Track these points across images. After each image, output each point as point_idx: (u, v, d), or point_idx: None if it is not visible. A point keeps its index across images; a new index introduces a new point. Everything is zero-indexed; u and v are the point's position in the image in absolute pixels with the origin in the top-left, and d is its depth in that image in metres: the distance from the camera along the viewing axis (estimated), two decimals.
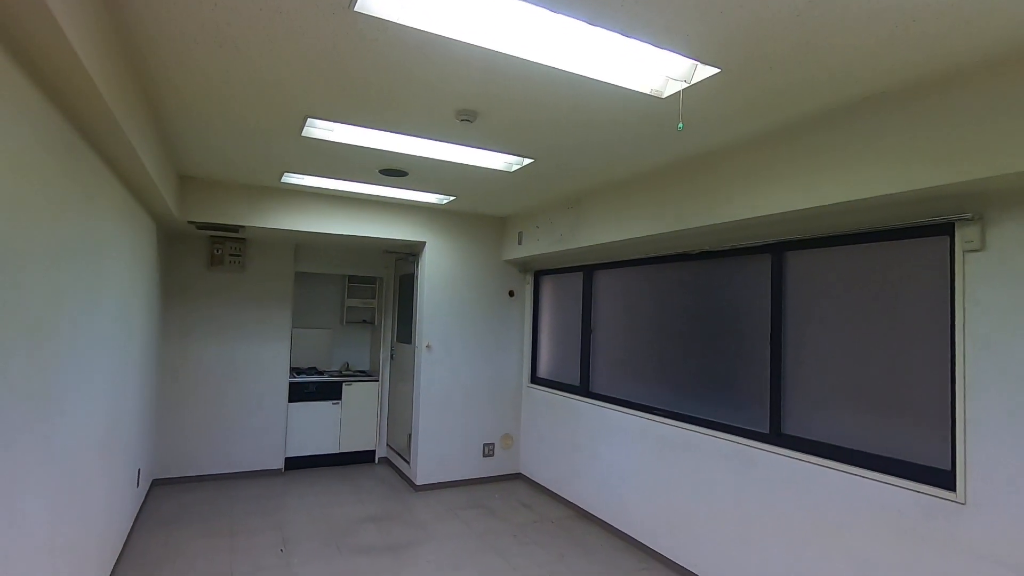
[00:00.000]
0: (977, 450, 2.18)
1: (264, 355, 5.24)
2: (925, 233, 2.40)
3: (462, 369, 5.16)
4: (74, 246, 2.15)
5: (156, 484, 4.81)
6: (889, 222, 2.50)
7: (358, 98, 2.51)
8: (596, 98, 2.41)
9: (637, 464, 3.88)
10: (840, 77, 2.13)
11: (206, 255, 5.08)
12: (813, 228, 2.84)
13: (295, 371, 5.67)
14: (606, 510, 4.16)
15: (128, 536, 3.71)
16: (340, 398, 5.57)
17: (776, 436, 2.99)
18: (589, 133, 2.86)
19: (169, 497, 4.55)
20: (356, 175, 3.89)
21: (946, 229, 2.32)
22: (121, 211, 2.95)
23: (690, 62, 2.10)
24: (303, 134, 3.01)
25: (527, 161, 3.42)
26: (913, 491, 2.36)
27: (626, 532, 3.93)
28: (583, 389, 4.62)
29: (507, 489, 5.06)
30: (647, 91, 2.33)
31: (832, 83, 2.19)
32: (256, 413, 5.20)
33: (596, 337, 4.54)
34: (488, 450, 5.26)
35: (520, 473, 5.39)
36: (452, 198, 4.56)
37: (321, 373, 5.71)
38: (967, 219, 2.21)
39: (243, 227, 4.39)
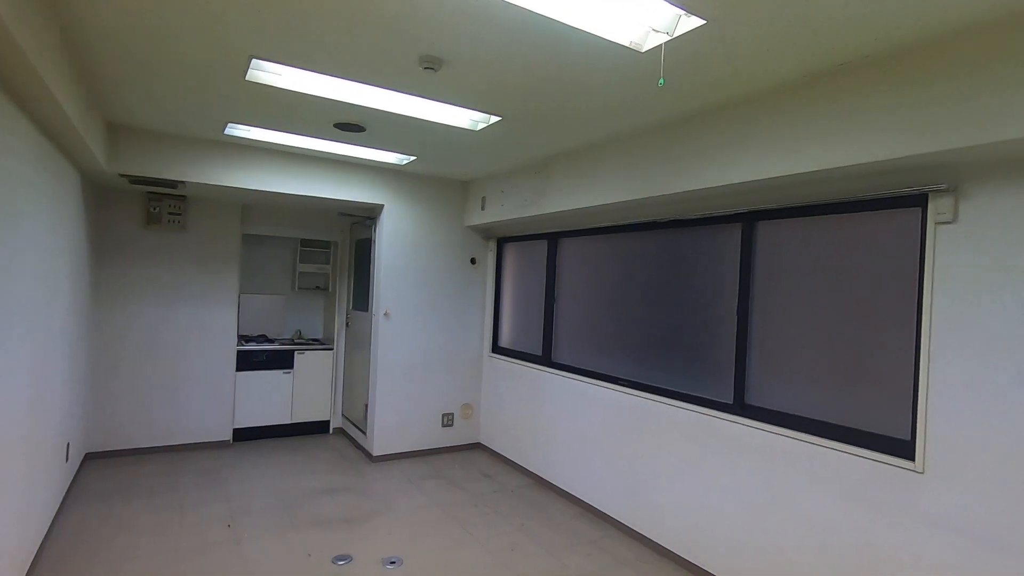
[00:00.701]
0: (937, 420, 2.20)
1: (210, 321, 4.93)
2: (898, 204, 2.38)
3: (421, 338, 5.00)
4: None
5: (90, 458, 4.50)
6: (863, 193, 2.46)
7: (309, 37, 2.26)
8: (572, 49, 2.24)
9: (599, 434, 3.86)
10: (825, 37, 2.04)
11: (142, 213, 4.68)
12: (786, 197, 2.79)
13: (244, 339, 5.37)
14: (567, 479, 4.15)
15: (57, 512, 3.44)
16: (292, 367, 5.34)
17: (739, 407, 2.99)
18: (562, 90, 2.69)
19: (105, 472, 4.26)
20: (309, 129, 3.61)
21: (919, 201, 2.30)
22: (39, 161, 2.60)
23: (675, 11, 1.96)
24: (248, 78, 2.71)
25: (494, 119, 3.22)
26: (873, 460, 2.39)
27: (587, 501, 3.93)
28: (545, 359, 4.55)
29: (467, 459, 5.00)
30: (626, 43, 2.18)
31: (816, 43, 2.09)
32: (201, 382, 4.91)
33: (560, 306, 4.46)
34: (447, 420, 5.16)
35: (480, 443, 5.33)
36: (413, 158, 4.32)
37: (272, 341, 5.44)
38: (941, 191, 2.19)
39: (182, 183, 4.04)
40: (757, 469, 2.84)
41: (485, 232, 5.31)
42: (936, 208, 2.22)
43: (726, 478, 2.98)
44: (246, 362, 5.14)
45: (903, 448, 2.33)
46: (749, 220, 3.00)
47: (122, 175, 3.84)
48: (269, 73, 2.69)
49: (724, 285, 3.14)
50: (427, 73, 2.54)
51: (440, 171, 4.78)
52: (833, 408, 2.60)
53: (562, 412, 4.24)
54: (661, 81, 1.94)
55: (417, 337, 4.98)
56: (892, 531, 2.31)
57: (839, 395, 2.58)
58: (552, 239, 4.55)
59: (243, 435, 5.17)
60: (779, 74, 2.39)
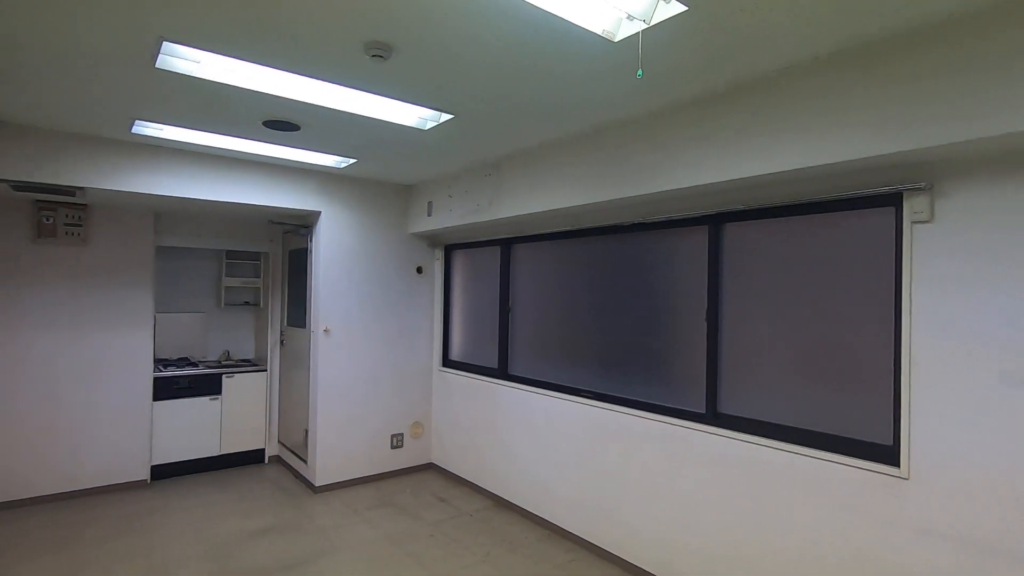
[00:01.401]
0: (920, 424, 2.15)
1: (119, 346, 4.34)
2: (872, 204, 2.32)
3: (365, 354, 4.63)
4: None
5: None
6: (835, 192, 2.40)
7: (232, 16, 1.92)
8: (539, 37, 2.03)
9: (564, 450, 3.66)
10: (805, 28, 1.93)
11: (31, 224, 4.05)
12: (755, 198, 2.70)
13: (162, 364, 4.80)
14: (530, 499, 3.92)
15: None
16: (220, 392, 4.81)
17: (713, 416, 2.88)
18: (525, 83, 2.47)
19: None
20: (233, 127, 3.20)
21: (894, 200, 2.25)
22: None
23: None
24: (158, 65, 2.32)
25: (445, 117, 2.96)
26: (856, 468, 2.31)
27: (553, 522, 3.72)
28: (501, 372, 4.31)
29: (419, 482, 4.67)
30: (598, 31, 1.99)
31: (796, 35, 1.99)
32: (111, 416, 4.31)
33: (515, 316, 4.24)
34: (396, 441, 4.82)
35: (432, 463, 5.01)
36: (353, 161, 3.98)
37: (195, 364, 4.89)
38: (917, 189, 2.14)
39: (81, 189, 3.50)
40: (734, 481, 2.72)
41: (432, 239, 5.01)
42: (912, 207, 2.17)
43: (701, 491, 2.85)
44: (165, 390, 4.57)
45: (887, 454, 2.26)
46: (716, 222, 2.90)
47: (3, 180, 3.27)
48: (184, 60, 2.31)
49: (692, 290, 3.03)
50: (375, 62, 2.25)
51: (383, 175, 4.45)
52: (813, 415, 2.52)
53: (522, 427, 4.02)
54: (639, 73, 1.77)
55: (360, 353, 4.61)
56: (879, 539, 2.24)
57: (819, 401, 2.51)
58: (505, 245, 4.32)
59: (164, 472, 4.59)
60: (754, 67, 2.28)
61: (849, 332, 2.41)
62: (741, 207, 2.74)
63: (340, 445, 4.50)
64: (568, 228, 3.71)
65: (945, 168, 2.10)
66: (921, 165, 2.14)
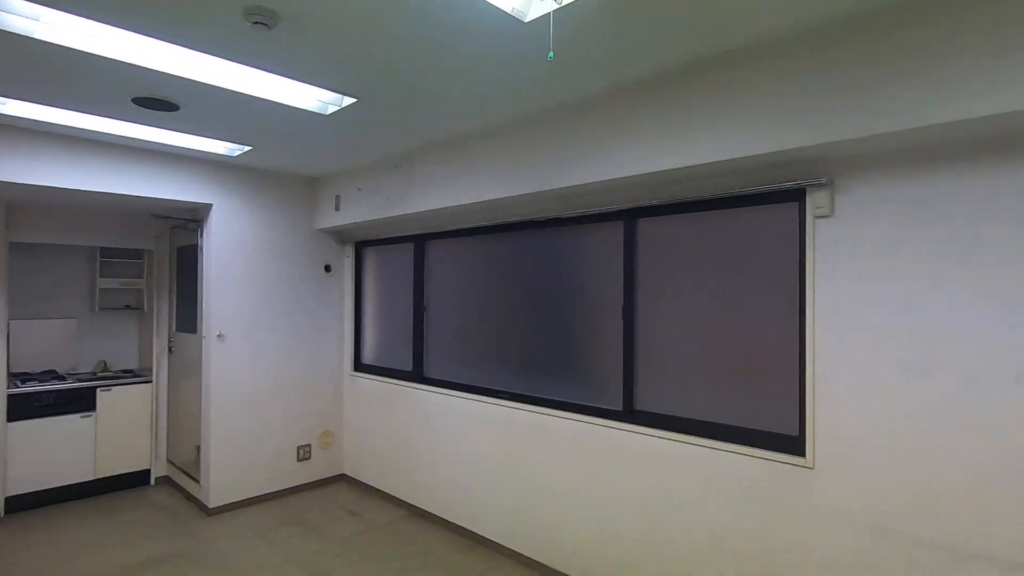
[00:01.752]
0: (824, 415, 2.20)
1: None
2: (778, 199, 2.36)
3: (266, 360, 4.26)
4: None
5: None
6: (745, 187, 2.42)
7: None
8: (444, 14, 1.87)
9: (483, 453, 3.52)
10: (716, 18, 1.91)
11: None
12: (668, 193, 2.69)
13: (21, 378, 4.15)
14: (448, 507, 3.75)
15: None
16: (94, 408, 4.24)
17: (629, 413, 2.84)
18: (431, 67, 2.30)
19: None
20: (96, 104, 2.78)
21: (797, 195, 2.30)
22: None
23: None
24: None
25: (348, 101, 2.73)
26: (765, 459, 2.34)
27: (471, 529, 3.57)
28: (417, 375, 4.10)
29: (329, 496, 4.36)
30: (508, 9, 1.86)
31: (708, 26, 1.96)
32: None
33: (431, 316, 4.05)
34: (304, 452, 4.47)
35: (344, 474, 4.71)
36: (247, 149, 3.62)
37: (63, 378, 4.28)
38: (818, 185, 2.19)
39: None
40: (651, 477, 2.70)
41: (341, 235, 4.70)
42: (814, 202, 2.22)
43: (621, 489, 2.81)
44: (24, 408, 3.96)
45: (793, 445, 2.31)
46: (630, 217, 2.87)
47: None
48: (18, 16, 1.93)
49: (608, 286, 2.98)
50: (258, 31, 1.99)
51: (284, 165, 4.10)
52: (725, 408, 2.53)
53: (439, 432, 3.84)
54: (551, 55, 1.66)
55: (261, 359, 4.23)
56: (788, 528, 2.28)
57: (730, 394, 2.53)
58: (419, 242, 4.12)
59: (22, 504, 3.98)
60: (670, 56, 2.24)
61: (759, 325, 2.44)
62: (655, 202, 2.72)
63: (237, 461, 4.10)
64: (484, 223, 3.57)
65: (844, 164, 2.16)
66: (822, 161, 2.19)
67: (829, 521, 2.18)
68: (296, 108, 2.81)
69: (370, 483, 4.42)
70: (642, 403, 2.83)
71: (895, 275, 2.04)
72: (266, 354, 4.25)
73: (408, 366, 4.20)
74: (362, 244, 4.67)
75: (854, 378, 2.13)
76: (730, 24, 1.95)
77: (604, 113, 2.60)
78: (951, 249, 1.93)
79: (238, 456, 4.10)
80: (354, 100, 2.71)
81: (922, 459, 1.98)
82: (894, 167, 2.04)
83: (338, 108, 2.80)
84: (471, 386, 3.68)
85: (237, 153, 3.72)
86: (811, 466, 2.23)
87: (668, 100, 2.37)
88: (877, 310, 2.07)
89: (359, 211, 4.07)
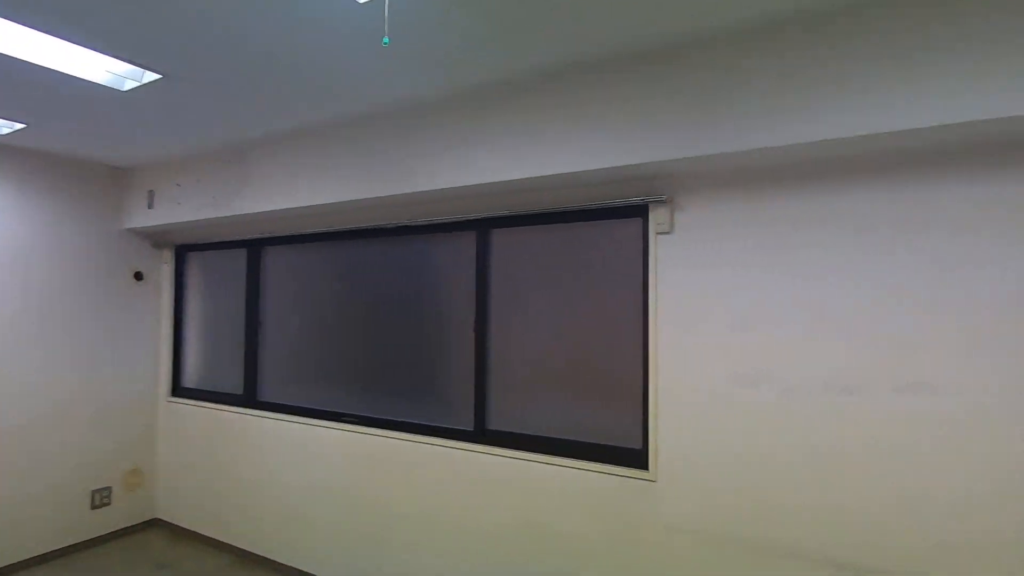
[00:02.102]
0: (665, 428, 2.24)
1: None
2: (625, 214, 2.39)
3: (48, 386, 3.47)
4: None
5: None
6: (596, 201, 2.41)
7: None
8: None
9: (327, 484, 3.16)
10: (575, 24, 1.85)
11: None
12: (520, 204, 2.61)
13: None
14: (284, 547, 3.31)
15: None
16: None
17: (481, 434, 2.70)
18: (250, 41, 1.97)
19: None
20: None
21: (642, 211, 2.33)
22: None
23: None
24: None
25: (151, 76, 2.28)
26: (613, 475, 2.33)
27: (310, 572, 3.17)
28: (249, 398, 3.60)
29: (136, 547, 3.65)
30: None
31: (555, 33, 1.90)
32: None
33: (267, 332, 3.59)
34: (101, 498, 3.71)
35: (158, 519, 3.99)
36: (21, 126, 2.92)
37: None
38: (659, 201, 2.24)
39: None
40: (502, 499, 2.57)
41: (157, 238, 4.02)
42: (656, 218, 2.27)
43: (475, 513, 2.65)
44: None
45: (638, 459, 2.32)
46: (484, 227, 2.75)
47: None
48: None
49: (461, 300, 2.83)
50: None
51: (76, 150, 3.39)
52: (577, 425, 2.49)
53: (273, 463, 3.38)
54: (385, 40, 1.47)
55: (40, 385, 3.43)
56: (634, 539, 2.28)
57: (582, 411, 2.49)
58: (254, 248, 3.64)
59: None
60: (525, 60, 2.16)
61: (608, 340, 2.44)
62: (509, 212, 2.62)
63: (1, 514, 3.27)
64: (328, 229, 3.23)
65: (682, 182, 2.22)
66: (662, 178, 2.24)
67: (671, 531, 2.21)
68: (80, 79, 2.29)
69: (189, 527, 3.79)
70: (494, 422, 2.70)
71: (728, 291, 2.13)
72: (45, 378, 3.45)
73: (239, 389, 3.68)
74: (184, 248, 4.03)
75: (692, 391, 2.19)
76: (582, 34, 1.91)
77: (454, 117, 2.46)
78: (777, 266, 2.05)
79: (1, 508, 3.26)
80: (159, 76, 2.26)
81: (751, 466, 2.07)
82: (728, 187, 2.14)
83: (138, 84, 2.33)
84: (312, 409, 3.30)
85: (7, 131, 2.98)
86: (654, 479, 2.25)
87: (517, 108, 2.29)
88: (711, 325, 2.15)
89: (178, 210, 3.49)
